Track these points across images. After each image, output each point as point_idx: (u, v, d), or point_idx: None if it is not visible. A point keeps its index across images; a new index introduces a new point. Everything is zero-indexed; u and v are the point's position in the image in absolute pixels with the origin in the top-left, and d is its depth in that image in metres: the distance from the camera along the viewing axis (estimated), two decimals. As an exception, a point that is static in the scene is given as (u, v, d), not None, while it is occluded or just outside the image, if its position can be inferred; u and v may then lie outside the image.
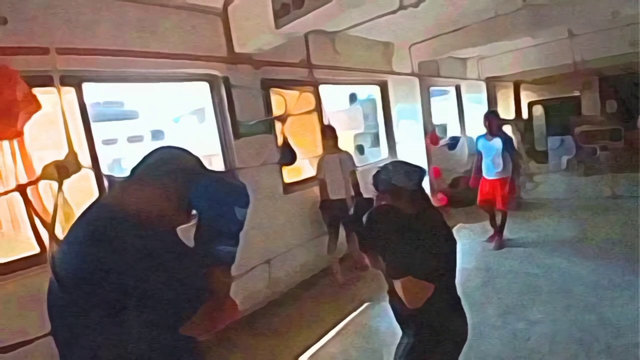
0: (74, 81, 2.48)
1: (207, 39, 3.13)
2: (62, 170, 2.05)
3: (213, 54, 3.15)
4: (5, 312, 2.06)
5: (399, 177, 1.43)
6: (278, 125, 3.81)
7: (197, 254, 0.94)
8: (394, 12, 3.54)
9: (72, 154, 2.13)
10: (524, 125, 8.25)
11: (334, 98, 7.18)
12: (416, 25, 4.52)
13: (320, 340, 2.98)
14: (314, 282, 3.99)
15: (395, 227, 1.31)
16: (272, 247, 3.57)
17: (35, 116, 2.09)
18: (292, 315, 3.44)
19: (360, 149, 6.27)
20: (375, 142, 6.68)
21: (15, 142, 2.13)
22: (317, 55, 4.20)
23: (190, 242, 0.95)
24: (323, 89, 4.47)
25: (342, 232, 3.91)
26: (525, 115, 9.04)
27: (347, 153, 4.03)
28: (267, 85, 3.70)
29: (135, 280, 0.82)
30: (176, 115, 13.40)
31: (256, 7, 2.98)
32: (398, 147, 5.57)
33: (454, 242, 1.45)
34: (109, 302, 0.82)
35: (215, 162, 3.34)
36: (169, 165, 1.00)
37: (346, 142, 6.39)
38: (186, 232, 1.01)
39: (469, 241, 4.76)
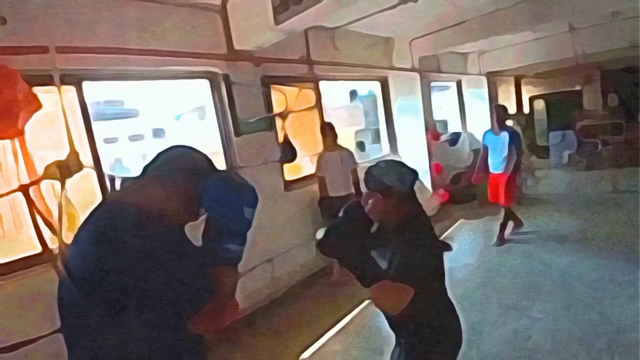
0: (74, 80, 2.49)
1: (207, 37, 3.12)
2: (64, 169, 2.06)
3: (213, 51, 3.15)
4: (5, 312, 2.06)
5: (390, 176, 1.40)
6: (278, 122, 3.80)
7: (204, 252, 0.95)
8: (393, 7, 3.53)
9: (73, 153, 2.13)
10: (525, 120, 8.21)
11: (335, 94, 7.15)
12: (416, 20, 4.49)
13: (321, 340, 2.98)
14: (314, 282, 3.97)
15: (358, 235, 1.29)
16: (272, 247, 3.56)
17: (36, 115, 2.10)
18: (292, 314, 3.44)
19: (361, 146, 6.25)
20: (376, 138, 6.66)
21: (16, 142, 2.13)
22: (317, 52, 4.18)
23: (197, 241, 0.97)
24: (323, 85, 4.46)
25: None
26: (526, 110, 9.00)
27: (347, 150, 4.02)
28: (268, 82, 3.69)
29: (135, 280, 0.82)
30: (177, 113, 13.40)
31: (255, 3, 2.97)
32: (399, 144, 5.56)
33: (440, 253, 1.40)
34: (109, 302, 0.83)
35: (216, 160, 3.33)
36: (180, 164, 1.02)
37: (347, 139, 6.38)
38: (194, 231, 1.02)
39: (469, 239, 4.76)
